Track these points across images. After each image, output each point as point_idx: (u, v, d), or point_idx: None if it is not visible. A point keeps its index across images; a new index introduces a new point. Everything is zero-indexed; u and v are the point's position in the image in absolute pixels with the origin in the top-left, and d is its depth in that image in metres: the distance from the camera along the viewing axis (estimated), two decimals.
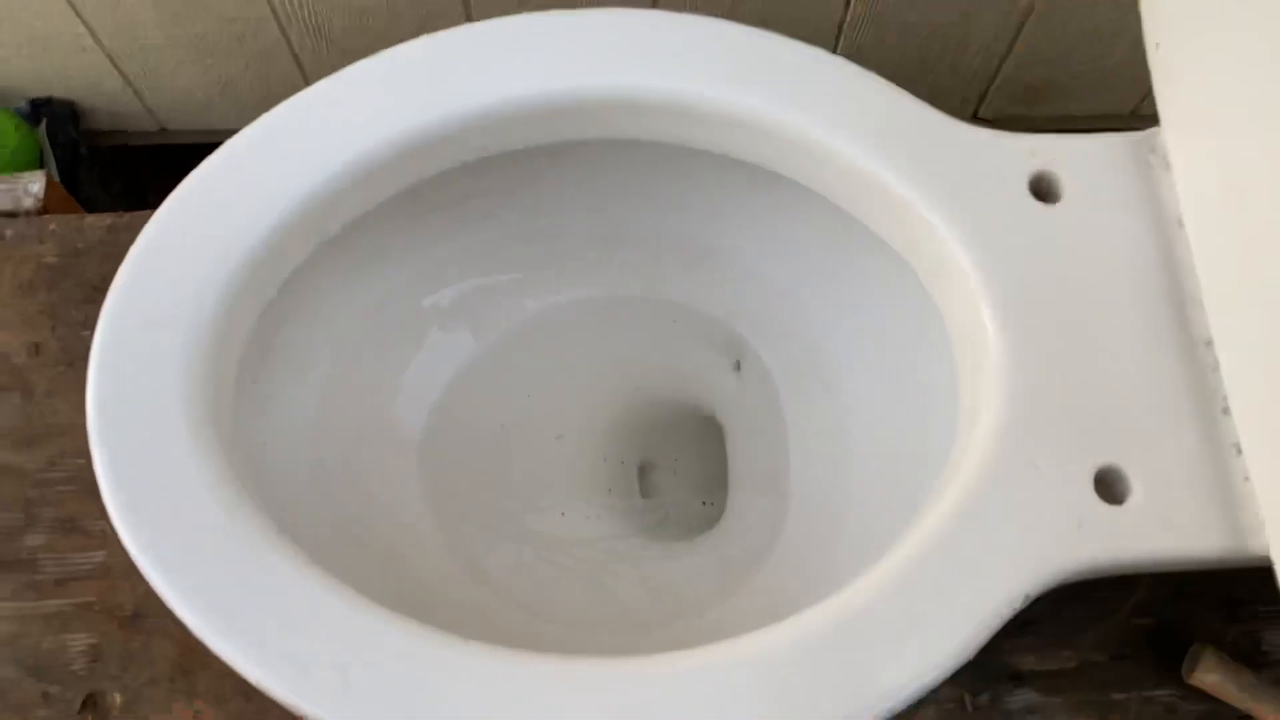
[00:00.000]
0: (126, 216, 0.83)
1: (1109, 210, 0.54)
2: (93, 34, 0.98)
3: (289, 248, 0.54)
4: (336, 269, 0.59)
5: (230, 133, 0.56)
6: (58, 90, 1.06)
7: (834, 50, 0.89)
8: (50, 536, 0.73)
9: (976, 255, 0.52)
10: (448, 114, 0.55)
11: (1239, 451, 0.50)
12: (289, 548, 0.47)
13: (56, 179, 1.02)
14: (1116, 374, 0.51)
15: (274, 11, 0.95)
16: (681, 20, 0.56)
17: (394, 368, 0.64)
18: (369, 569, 0.57)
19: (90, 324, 0.52)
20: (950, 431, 0.54)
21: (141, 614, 0.71)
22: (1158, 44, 0.54)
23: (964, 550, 0.48)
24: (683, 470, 0.70)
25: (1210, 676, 0.67)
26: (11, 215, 0.83)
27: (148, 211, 0.83)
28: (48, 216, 0.83)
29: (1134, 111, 1.10)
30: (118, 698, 0.70)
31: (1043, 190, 0.55)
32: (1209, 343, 0.52)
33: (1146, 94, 1.07)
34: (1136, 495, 0.49)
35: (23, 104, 1.05)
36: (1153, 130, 0.56)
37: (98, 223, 0.83)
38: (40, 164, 1.02)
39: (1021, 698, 0.70)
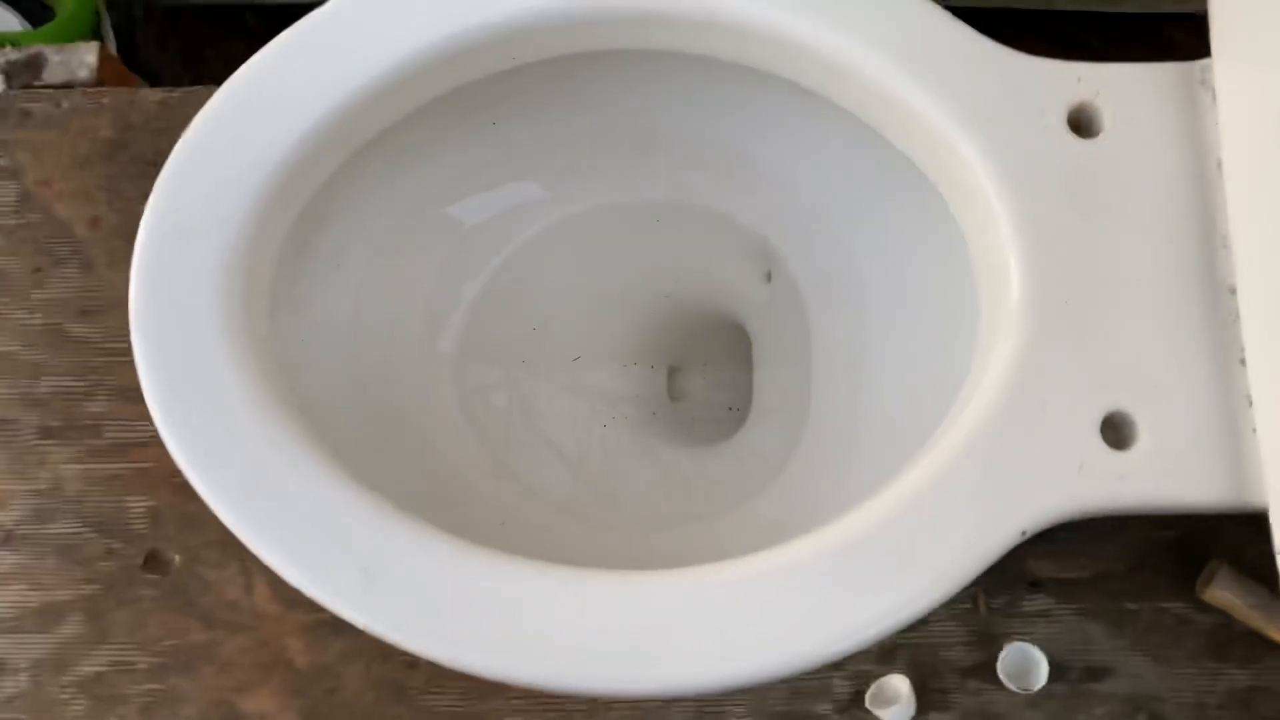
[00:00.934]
0: (179, 92, 0.84)
1: (1148, 146, 0.53)
2: None
3: (324, 153, 0.55)
4: (371, 172, 0.60)
5: None
6: None
7: None
8: (111, 404, 0.78)
9: (1004, 189, 0.52)
10: (483, 22, 0.55)
11: (1250, 403, 0.50)
12: (320, 452, 0.50)
13: (113, 42, 1.03)
14: (1137, 318, 0.51)
15: None
16: None
17: (428, 269, 0.65)
18: (399, 461, 0.60)
19: (145, 199, 0.54)
20: (969, 363, 0.54)
21: None
22: None
23: (963, 486, 0.49)
24: (711, 375, 0.71)
25: (1223, 593, 0.69)
26: (67, 87, 0.84)
27: (200, 88, 0.85)
28: (102, 89, 0.84)
29: None
30: (176, 557, 0.75)
31: (1083, 122, 0.54)
32: (1233, 290, 0.51)
33: None
34: (1143, 441, 0.50)
35: None
36: (1206, 61, 0.54)
37: (150, 96, 0.84)
38: (97, 28, 1.03)
39: (1036, 603, 0.72)
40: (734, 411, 0.70)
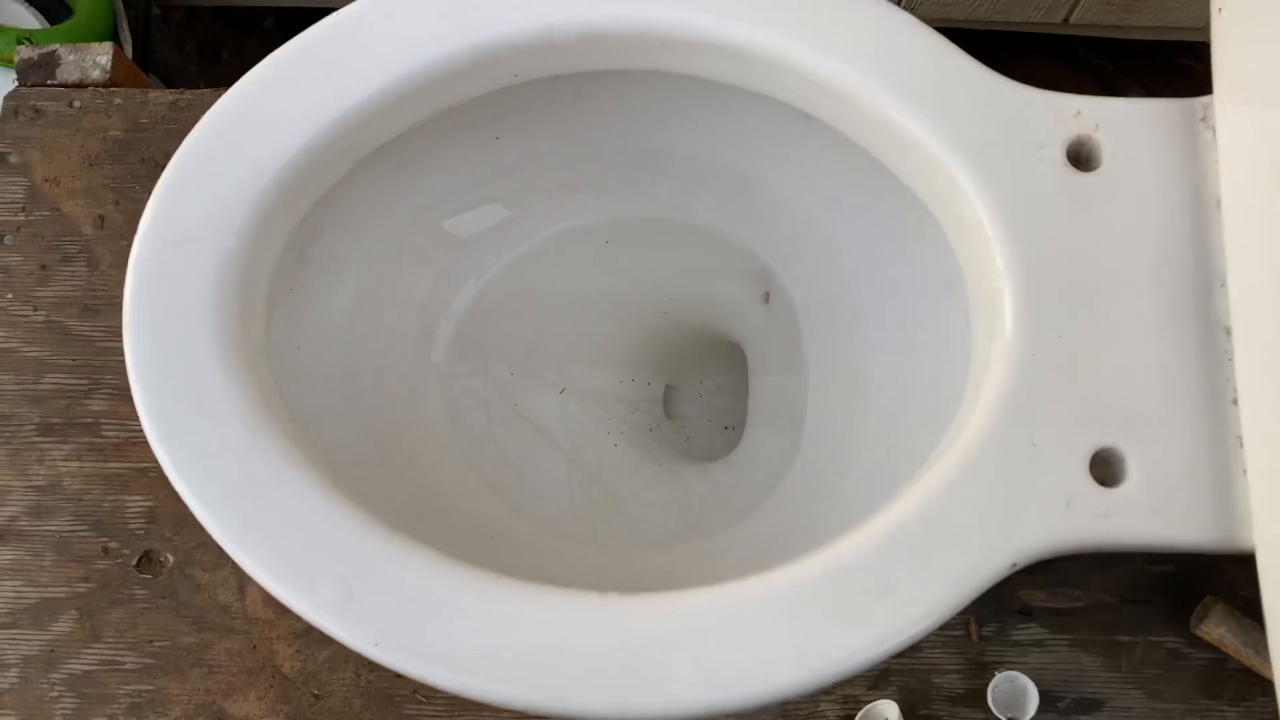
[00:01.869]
0: (190, 94, 0.85)
1: (1147, 182, 0.52)
2: None
3: (323, 166, 0.55)
4: (371, 184, 0.60)
5: None
6: None
7: None
8: (111, 403, 0.78)
9: (1002, 222, 0.52)
10: (486, 40, 0.55)
11: (1241, 444, 0.49)
12: (309, 463, 0.50)
13: (129, 42, 1.04)
14: (1130, 354, 0.51)
15: None
16: None
17: (424, 281, 0.65)
18: (390, 473, 0.60)
19: None
20: (962, 393, 0.54)
21: None
22: (1221, 9, 0.51)
23: (950, 518, 0.49)
24: (708, 394, 0.71)
25: (1218, 629, 0.68)
26: (80, 87, 0.85)
27: (210, 91, 0.85)
28: (114, 89, 0.85)
29: None
30: (170, 557, 0.75)
31: (1081, 156, 0.53)
32: (1229, 330, 0.51)
33: None
34: (1132, 479, 0.50)
35: None
36: (1207, 98, 0.54)
37: (161, 98, 0.85)
38: (113, 28, 1.04)
39: (1028, 632, 0.72)
40: (729, 431, 0.70)
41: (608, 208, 0.68)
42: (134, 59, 1.04)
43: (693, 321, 0.71)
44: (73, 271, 0.81)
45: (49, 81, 0.85)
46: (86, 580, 0.75)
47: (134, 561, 0.75)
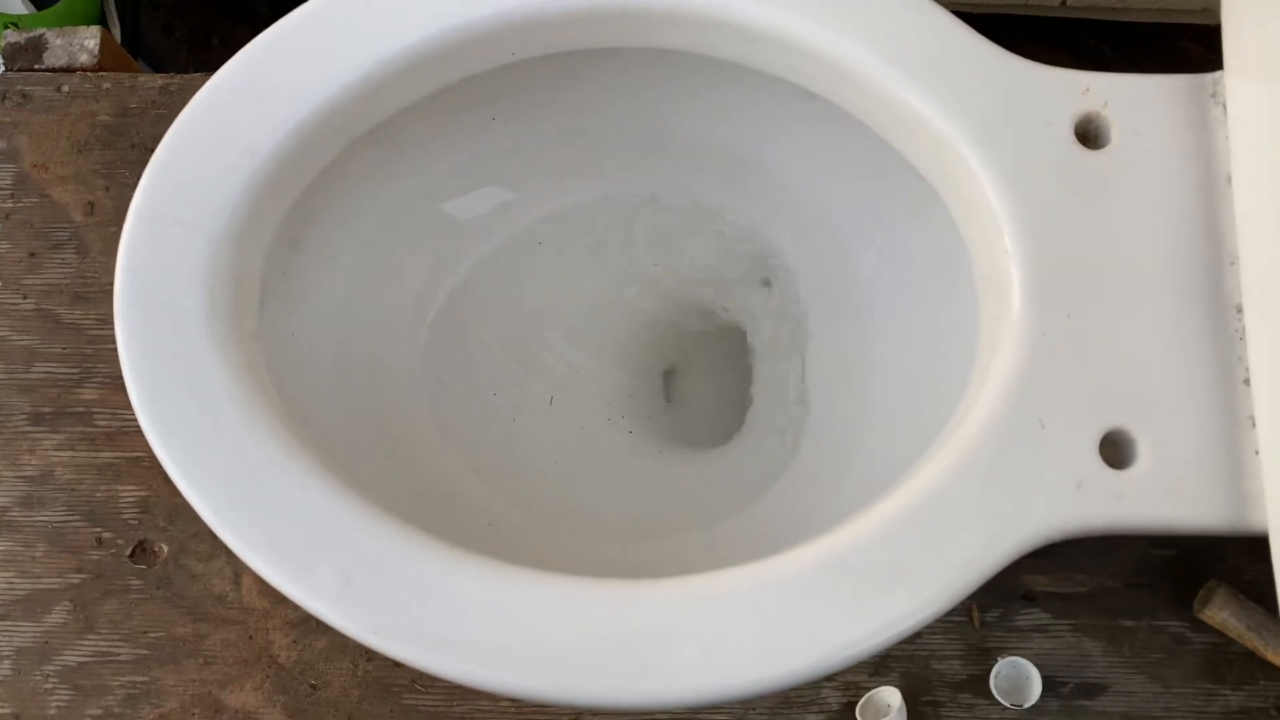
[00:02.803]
0: (179, 78, 0.84)
1: (1156, 160, 0.51)
2: None
3: (318, 146, 0.54)
4: (367, 166, 0.59)
5: None
6: None
7: None
8: (104, 391, 0.77)
9: (1009, 201, 0.51)
10: (480, 16, 0.54)
11: (1253, 424, 0.49)
12: (300, 447, 0.49)
13: (117, 27, 1.03)
14: (1140, 334, 0.50)
15: None
16: None
17: (421, 265, 0.65)
18: (386, 460, 0.60)
19: None
20: (968, 376, 0.53)
21: None
22: None
23: (959, 502, 0.48)
24: (708, 380, 0.71)
25: (1221, 613, 0.68)
26: (68, 71, 0.83)
27: (201, 75, 0.84)
28: (102, 74, 0.83)
29: None
30: (164, 547, 0.74)
31: (1090, 134, 0.53)
32: (1240, 309, 0.50)
33: None
34: (1143, 461, 0.49)
35: None
36: (1218, 74, 0.53)
37: (150, 83, 0.83)
38: (101, 13, 1.02)
39: (1031, 617, 0.71)
40: (731, 416, 0.69)
41: (608, 190, 0.67)
42: (122, 44, 1.03)
43: (693, 305, 0.70)
44: (62, 259, 0.80)
45: (36, 66, 0.83)
46: (80, 571, 0.74)
47: (128, 552, 0.74)
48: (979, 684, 0.69)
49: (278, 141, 0.52)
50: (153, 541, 0.75)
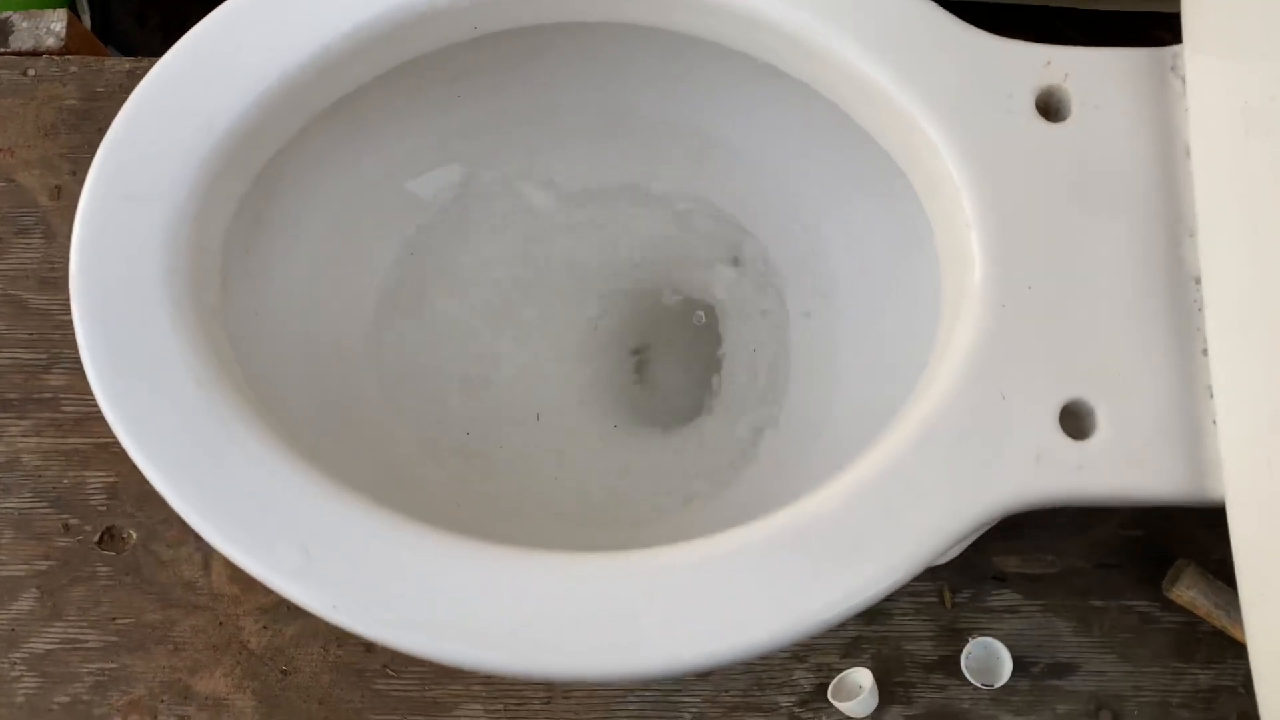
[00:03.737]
0: (148, 61, 0.83)
1: (1116, 132, 0.52)
2: None
3: (276, 121, 0.54)
4: (328, 142, 0.59)
5: None
6: None
7: None
8: (70, 377, 0.77)
9: (969, 174, 0.51)
10: None
11: (1211, 394, 0.49)
12: (262, 424, 0.49)
13: (88, 14, 1.02)
14: (1100, 305, 0.50)
15: None
16: None
17: (385, 244, 0.64)
18: (349, 442, 0.59)
19: None
20: (932, 349, 0.53)
21: None
22: None
23: (918, 472, 0.48)
24: (679, 359, 0.70)
25: (1189, 592, 0.68)
26: (34, 54, 0.83)
27: None
28: (69, 57, 0.83)
29: None
30: (133, 534, 0.74)
31: (1050, 106, 0.53)
32: (1198, 280, 0.50)
33: None
34: (1103, 431, 0.49)
35: None
36: (1177, 47, 0.53)
37: (118, 66, 0.83)
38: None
39: (1002, 598, 0.71)
40: (701, 395, 0.69)
41: (574, 168, 0.67)
42: (93, 31, 1.02)
43: (662, 284, 0.70)
44: (29, 244, 0.79)
45: (1, 50, 0.83)
46: (47, 558, 0.73)
47: (95, 538, 0.74)
48: (950, 664, 0.69)
49: (236, 116, 0.52)
50: (121, 528, 0.74)
